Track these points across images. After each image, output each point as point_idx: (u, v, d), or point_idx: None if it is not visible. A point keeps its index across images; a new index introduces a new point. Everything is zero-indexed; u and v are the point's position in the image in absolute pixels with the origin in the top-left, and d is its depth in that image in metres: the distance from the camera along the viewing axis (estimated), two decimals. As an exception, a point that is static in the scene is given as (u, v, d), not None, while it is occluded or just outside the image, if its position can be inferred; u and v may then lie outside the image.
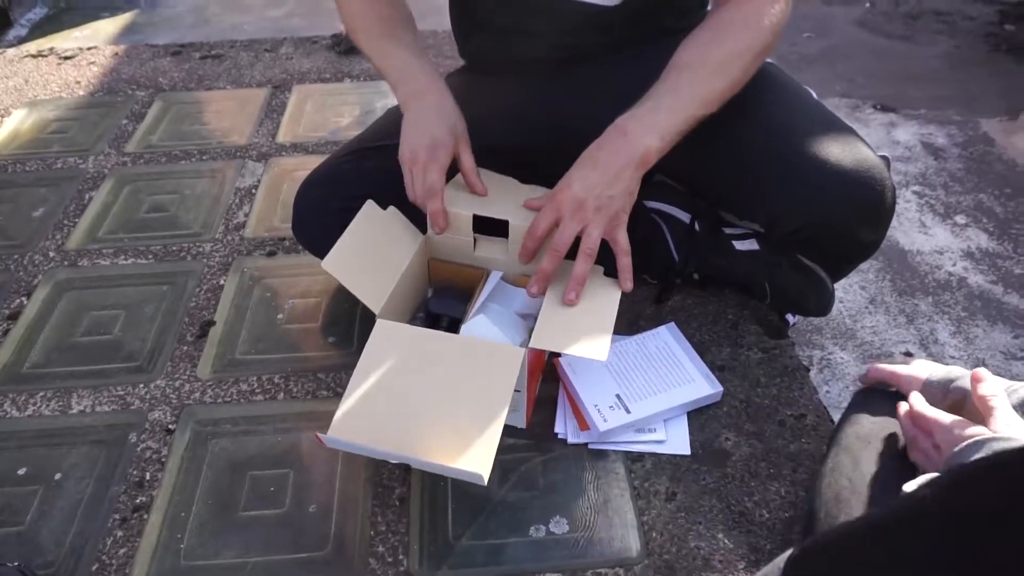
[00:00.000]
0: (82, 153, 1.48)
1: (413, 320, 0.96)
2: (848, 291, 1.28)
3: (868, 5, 2.18)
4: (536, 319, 0.81)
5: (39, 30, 2.10)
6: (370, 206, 0.90)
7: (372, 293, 0.84)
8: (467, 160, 0.89)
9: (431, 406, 0.74)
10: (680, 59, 0.82)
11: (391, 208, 0.92)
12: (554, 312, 0.81)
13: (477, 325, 0.86)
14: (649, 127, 0.78)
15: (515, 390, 0.75)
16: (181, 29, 2.10)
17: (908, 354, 1.18)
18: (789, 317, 1.10)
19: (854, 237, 0.90)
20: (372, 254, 0.87)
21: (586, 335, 0.78)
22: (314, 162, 1.39)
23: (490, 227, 0.91)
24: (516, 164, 0.95)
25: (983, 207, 1.41)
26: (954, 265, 1.28)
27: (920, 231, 1.41)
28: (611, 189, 0.77)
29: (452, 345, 0.79)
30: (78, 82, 1.73)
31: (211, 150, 1.48)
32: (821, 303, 1.01)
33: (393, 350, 0.78)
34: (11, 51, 1.91)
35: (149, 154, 1.47)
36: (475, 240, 0.92)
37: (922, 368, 0.74)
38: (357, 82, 1.69)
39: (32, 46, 1.95)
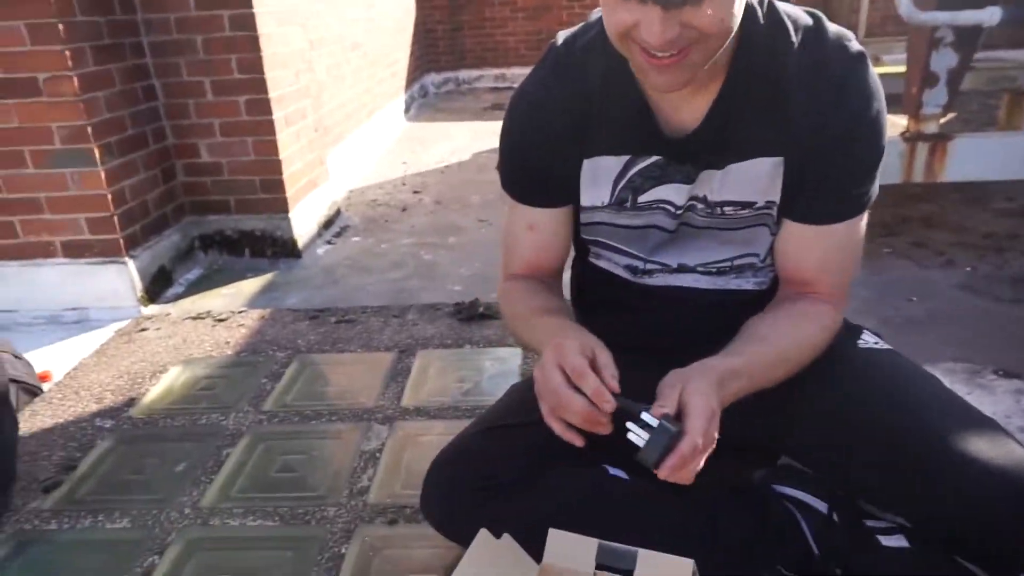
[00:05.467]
0: (224, 410, 1.61)
1: None
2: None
3: (969, 269, 2.21)
4: None
5: (194, 288, 2.40)
6: (483, 537, 0.88)
7: None
8: (603, 357, 0.79)
9: None
10: (768, 347, 0.87)
11: (505, 536, 0.89)
12: None
13: None
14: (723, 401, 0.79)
15: None
16: (312, 289, 2.35)
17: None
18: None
19: (1019, 544, 0.83)
20: None
21: None
22: (436, 427, 1.48)
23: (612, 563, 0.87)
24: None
25: None
26: None
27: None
28: None
29: None
30: (228, 342, 1.93)
31: (340, 411, 1.57)
32: (990, 615, 0.91)
33: None
34: (174, 312, 2.17)
35: (284, 413, 1.58)
36: (595, 574, 0.87)
37: None
38: (477, 348, 1.81)
39: (191, 307, 2.22)
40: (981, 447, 0.83)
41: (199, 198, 2.59)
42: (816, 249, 0.91)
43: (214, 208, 2.61)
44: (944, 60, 2.11)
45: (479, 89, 6.99)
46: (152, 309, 2.20)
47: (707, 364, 0.81)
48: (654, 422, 0.72)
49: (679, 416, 0.75)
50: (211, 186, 2.57)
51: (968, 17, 1.94)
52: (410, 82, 6.06)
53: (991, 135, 2.32)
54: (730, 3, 0.73)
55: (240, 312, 2.12)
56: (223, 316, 2.09)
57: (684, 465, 0.72)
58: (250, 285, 2.41)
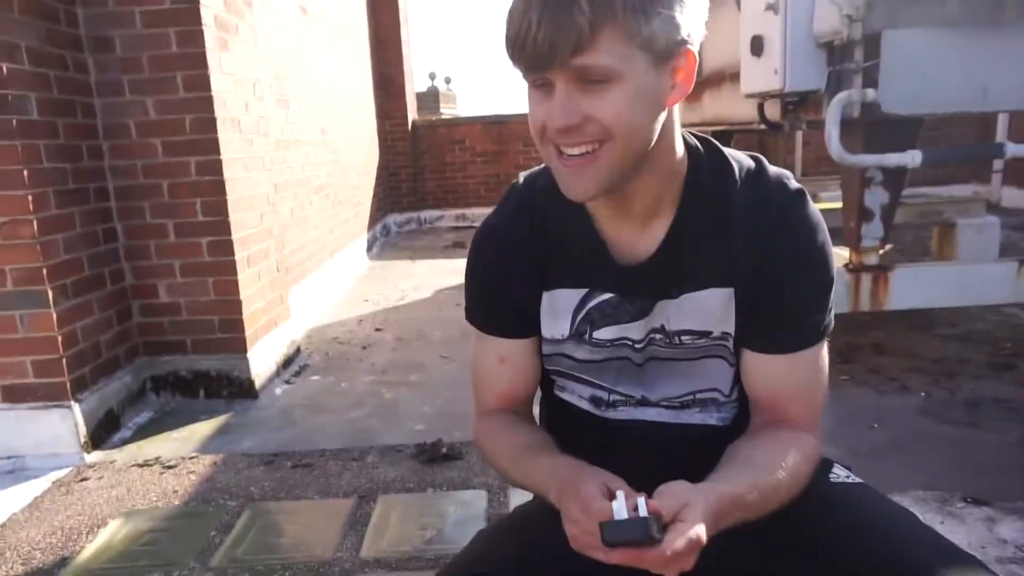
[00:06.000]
0: (168, 568, 1.49)
1: None
2: None
3: (924, 395, 2.25)
4: None
5: (143, 432, 2.29)
6: None
7: None
8: (623, 489, 0.77)
9: None
10: (764, 475, 0.84)
11: None
12: None
13: None
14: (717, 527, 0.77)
15: None
16: (268, 431, 2.27)
17: None
18: None
19: None
20: None
21: None
22: (398, 581, 1.39)
23: None
24: None
25: None
26: None
27: (1068, 650, 1.24)
28: None
29: None
30: (176, 491, 1.82)
31: (294, 565, 1.46)
32: None
33: None
34: (120, 459, 2.05)
35: (233, 569, 1.47)
36: None
37: None
38: (440, 491, 1.73)
39: (139, 452, 2.10)
40: (964, 585, 0.81)
41: (154, 338, 2.53)
42: (784, 378, 0.92)
43: (169, 348, 2.55)
44: (876, 197, 2.26)
45: (440, 228, 7.20)
46: (96, 456, 2.08)
47: (715, 489, 0.78)
48: (644, 511, 0.70)
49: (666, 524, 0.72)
50: (168, 326, 2.53)
51: (892, 159, 2.11)
52: (373, 222, 6.22)
53: (927, 265, 2.46)
54: (633, 104, 0.77)
55: (191, 458, 2.02)
56: (172, 463, 1.99)
57: (633, 564, 0.69)
58: (203, 428, 2.31)
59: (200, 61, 2.31)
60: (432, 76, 9.59)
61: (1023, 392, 2.23)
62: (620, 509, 0.70)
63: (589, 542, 0.76)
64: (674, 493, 0.75)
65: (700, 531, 0.72)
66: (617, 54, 0.74)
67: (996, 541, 1.51)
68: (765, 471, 0.84)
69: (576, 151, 0.79)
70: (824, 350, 0.94)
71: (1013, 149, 2.18)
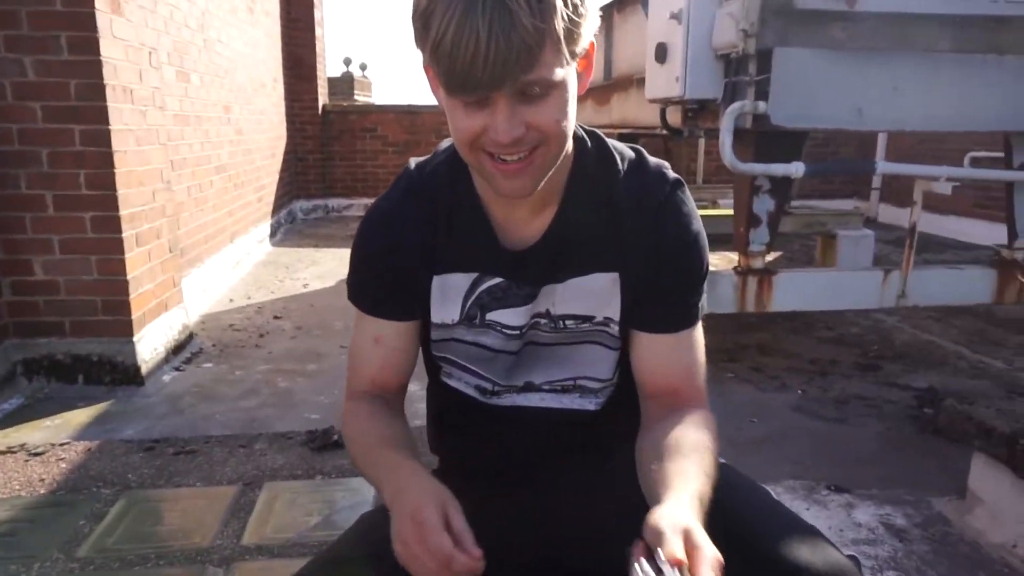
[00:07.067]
0: (27, 560, 1.39)
1: None
2: None
3: (800, 392, 2.41)
4: None
5: (10, 419, 2.13)
6: None
7: None
8: (457, 522, 0.76)
9: None
10: (708, 464, 0.86)
11: None
12: None
13: None
14: None
15: None
16: (152, 419, 2.16)
17: None
18: None
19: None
20: None
21: None
22: (278, 568, 1.36)
23: None
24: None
25: (963, 596, 1.40)
26: (955, 667, 1.22)
27: (909, 625, 1.36)
28: None
29: None
30: (42, 479, 1.70)
31: (170, 554, 1.41)
32: None
33: None
34: (-22, 446, 1.91)
35: (101, 559, 1.39)
36: None
37: None
38: (328, 479, 1.71)
39: (2, 440, 1.96)
40: (803, 553, 0.88)
41: (27, 319, 2.37)
42: (674, 357, 0.96)
43: (45, 330, 2.39)
44: (764, 204, 2.39)
45: (348, 217, 7.06)
46: (-47, 444, 1.93)
47: (690, 500, 0.77)
48: (668, 571, 0.65)
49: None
50: (43, 306, 2.37)
51: (778, 169, 2.25)
52: (278, 207, 6.02)
53: (807, 271, 2.62)
54: (565, 107, 0.81)
55: (61, 444, 1.90)
56: (40, 449, 1.86)
57: None
58: (80, 415, 2.18)
59: (88, 22, 2.17)
60: (347, 61, 9.41)
61: (883, 391, 2.42)
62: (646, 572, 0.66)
63: (415, 569, 0.73)
64: (669, 525, 0.72)
65: (716, 552, 0.69)
66: (554, 65, 0.76)
67: (853, 525, 1.64)
68: (704, 458, 0.86)
69: (514, 157, 0.80)
70: (700, 330, 0.99)
71: (883, 167, 2.37)
